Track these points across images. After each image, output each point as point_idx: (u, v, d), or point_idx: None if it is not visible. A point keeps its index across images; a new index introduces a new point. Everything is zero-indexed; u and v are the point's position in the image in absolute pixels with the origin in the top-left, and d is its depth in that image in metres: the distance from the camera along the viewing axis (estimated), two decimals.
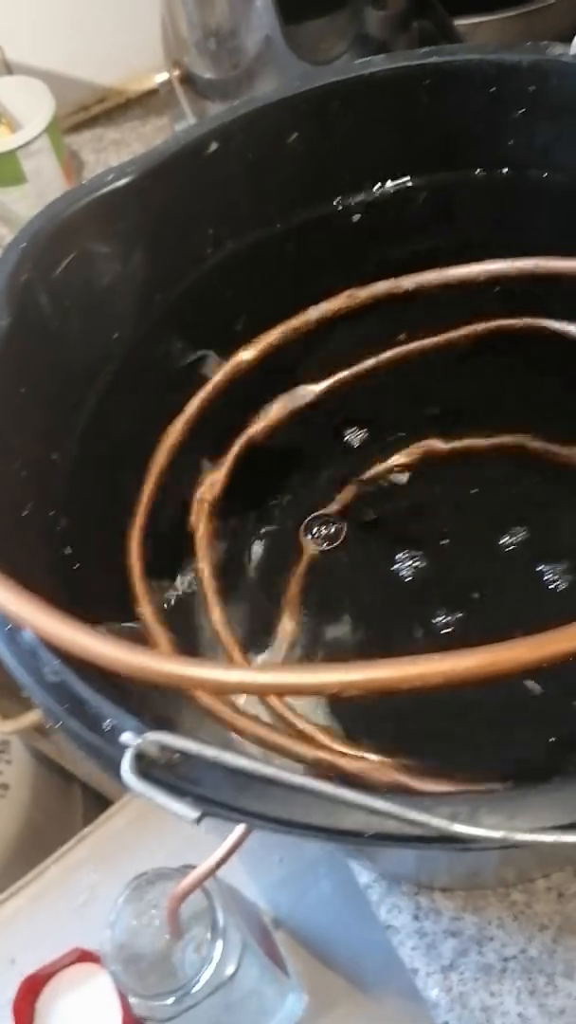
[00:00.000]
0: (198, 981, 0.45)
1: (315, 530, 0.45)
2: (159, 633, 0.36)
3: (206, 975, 0.46)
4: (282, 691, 0.23)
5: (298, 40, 0.55)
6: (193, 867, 0.47)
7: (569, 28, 0.60)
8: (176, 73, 0.60)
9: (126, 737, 0.23)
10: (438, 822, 0.21)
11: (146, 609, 0.36)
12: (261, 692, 0.24)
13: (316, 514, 0.45)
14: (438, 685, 0.22)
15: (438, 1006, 0.40)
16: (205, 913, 0.48)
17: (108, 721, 0.24)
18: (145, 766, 0.23)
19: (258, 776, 0.23)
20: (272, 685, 0.23)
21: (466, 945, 0.41)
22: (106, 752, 0.24)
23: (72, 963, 0.54)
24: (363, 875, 0.44)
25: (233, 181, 0.38)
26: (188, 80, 0.60)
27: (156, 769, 0.23)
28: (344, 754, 0.35)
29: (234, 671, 0.23)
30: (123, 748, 0.23)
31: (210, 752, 0.23)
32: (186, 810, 0.22)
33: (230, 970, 0.48)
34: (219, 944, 0.47)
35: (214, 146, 0.37)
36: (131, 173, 0.35)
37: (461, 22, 0.58)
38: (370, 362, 0.42)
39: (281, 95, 0.37)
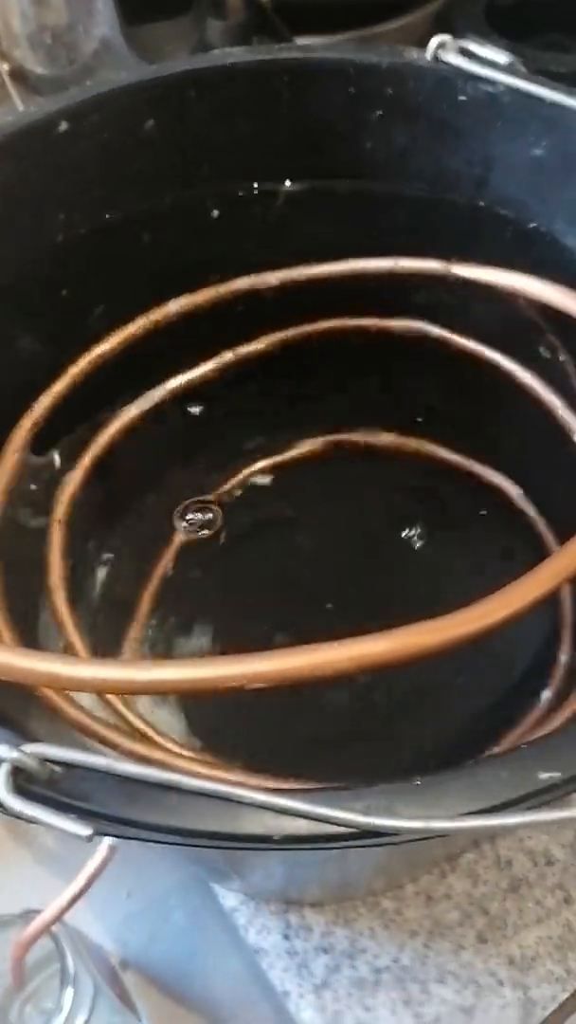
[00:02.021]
0: None
1: (181, 526, 0.43)
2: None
3: None
4: (159, 689, 0.21)
5: (139, 41, 0.53)
6: (36, 912, 0.43)
7: None
8: (6, 67, 0.57)
9: (1, 751, 0.20)
10: (353, 817, 0.20)
11: None
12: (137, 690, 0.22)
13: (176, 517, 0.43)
14: (349, 671, 0.21)
15: None
16: (51, 959, 0.44)
17: None
18: (23, 782, 0.21)
19: (152, 783, 0.20)
20: (149, 682, 0.21)
21: (338, 960, 0.40)
22: None
23: None
24: (229, 898, 0.42)
25: (86, 164, 0.36)
26: (19, 75, 0.57)
27: (36, 785, 0.21)
28: (197, 760, 0.33)
29: (92, 665, 0.21)
30: None
31: (100, 761, 0.21)
32: (77, 828, 0.20)
33: (81, 1019, 0.45)
34: (69, 992, 0.43)
35: (64, 125, 0.35)
36: None
37: (303, 41, 0.58)
38: (228, 357, 0.41)
39: (135, 78, 0.36)
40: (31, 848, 0.56)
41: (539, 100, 0.34)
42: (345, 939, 0.40)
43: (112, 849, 0.32)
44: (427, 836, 0.20)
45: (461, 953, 0.40)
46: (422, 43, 0.36)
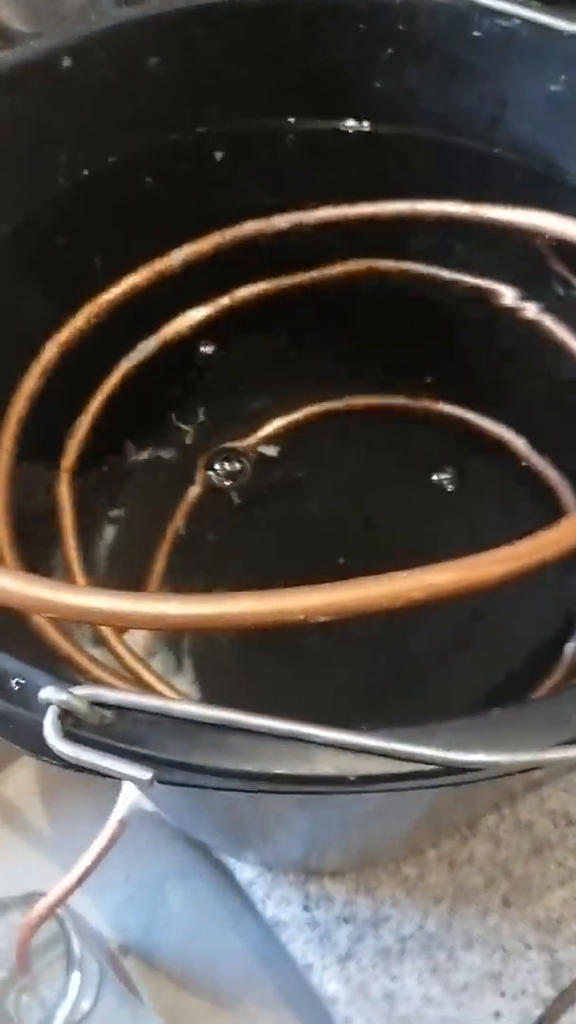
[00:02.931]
0: (53, 1020, 0.40)
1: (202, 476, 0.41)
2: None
3: (62, 1013, 0.41)
4: (202, 625, 0.20)
5: None
6: (39, 894, 0.41)
7: None
8: None
9: (47, 693, 0.19)
10: (434, 752, 0.18)
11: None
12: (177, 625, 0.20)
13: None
14: (420, 602, 0.20)
15: (337, 1000, 0.37)
16: (50, 946, 0.43)
17: (15, 679, 0.20)
18: (72, 727, 0.19)
19: (212, 723, 0.19)
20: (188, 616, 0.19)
21: (361, 930, 0.39)
22: (19, 717, 0.19)
23: None
24: (245, 871, 0.41)
25: (88, 102, 0.34)
26: (1, 33, 0.54)
27: (86, 730, 0.19)
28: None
29: (150, 600, 0.20)
30: (43, 708, 0.19)
31: (154, 702, 0.19)
32: (137, 771, 0.18)
33: (87, 1004, 0.43)
34: (75, 976, 0.42)
35: (67, 61, 0.33)
36: None
37: None
38: (225, 302, 0.39)
39: (141, 14, 0.34)
40: (25, 833, 0.54)
41: (559, 33, 0.33)
42: (367, 908, 0.39)
43: (123, 825, 0.30)
44: (511, 771, 0.19)
45: (487, 918, 0.39)
46: None
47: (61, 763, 0.19)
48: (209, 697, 0.38)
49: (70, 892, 0.36)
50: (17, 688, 0.20)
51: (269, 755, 0.19)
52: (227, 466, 0.41)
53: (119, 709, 0.19)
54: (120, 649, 0.36)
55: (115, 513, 0.42)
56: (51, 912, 0.39)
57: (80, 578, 0.35)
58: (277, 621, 0.19)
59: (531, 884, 0.39)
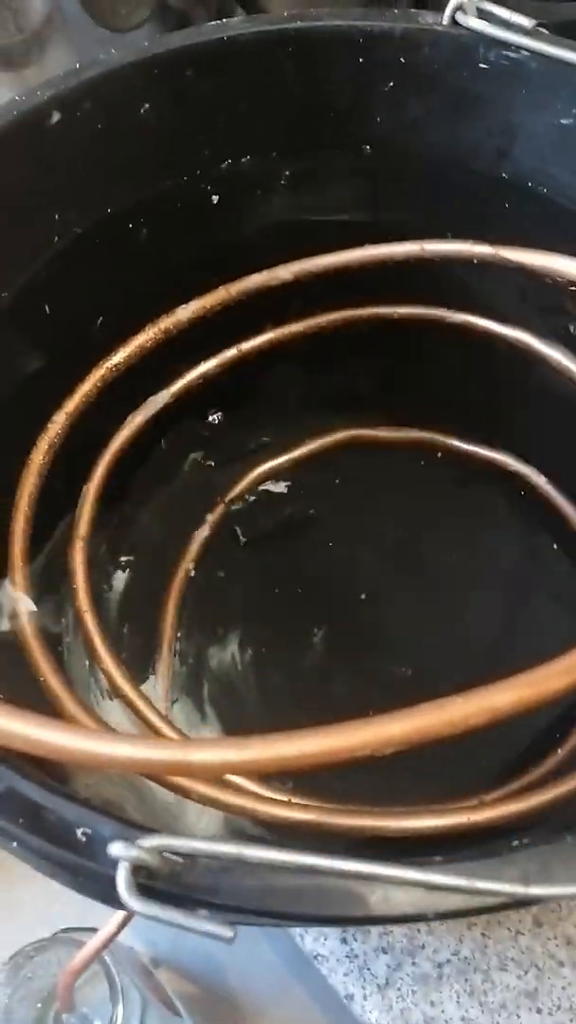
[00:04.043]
0: None
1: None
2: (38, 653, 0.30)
3: None
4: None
5: (94, 4, 0.49)
6: (71, 931, 0.42)
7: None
8: None
9: (117, 850, 0.19)
10: (514, 888, 0.18)
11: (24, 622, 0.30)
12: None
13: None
14: (481, 726, 0.20)
15: None
16: (96, 975, 0.43)
17: (80, 830, 0.20)
18: (145, 880, 0.19)
19: (287, 868, 0.19)
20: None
21: (399, 959, 0.39)
22: (86, 869, 0.19)
23: None
24: None
25: (80, 156, 0.33)
26: None
27: (159, 882, 0.19)
28: (282, 803, 0.32)
29: (209, 747, 0.20)
30: (113, 863, 0.19)
31: (226, 849, 0.19)
32: (220, 930, 0.18)
33: None
34: (120, 1008, 0.42)
35: (57, 116, 0.32)
36: None
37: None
38: (232, 354, 0.39)
39: (129, 58, 0.33)
40: None
41: (570, 66, 0.32)
42: (404, 937, 0.40)
43: None
44: None
45: (519, 939, 0.40)
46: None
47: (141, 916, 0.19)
48: None
49: (111, 939, 0.36)
50: (84, 839, 0.19)
51: (346, 899, 0.19)
52: (236, 506, 0.41)
53: (190, 857, 0.19)
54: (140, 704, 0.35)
55: (125, 559, 0.41)
56: (94, 959, 0.39)
57: (97, 639, 0.35)
58: (337, 760, 0.19)
59: (560, 903, 0.40)
